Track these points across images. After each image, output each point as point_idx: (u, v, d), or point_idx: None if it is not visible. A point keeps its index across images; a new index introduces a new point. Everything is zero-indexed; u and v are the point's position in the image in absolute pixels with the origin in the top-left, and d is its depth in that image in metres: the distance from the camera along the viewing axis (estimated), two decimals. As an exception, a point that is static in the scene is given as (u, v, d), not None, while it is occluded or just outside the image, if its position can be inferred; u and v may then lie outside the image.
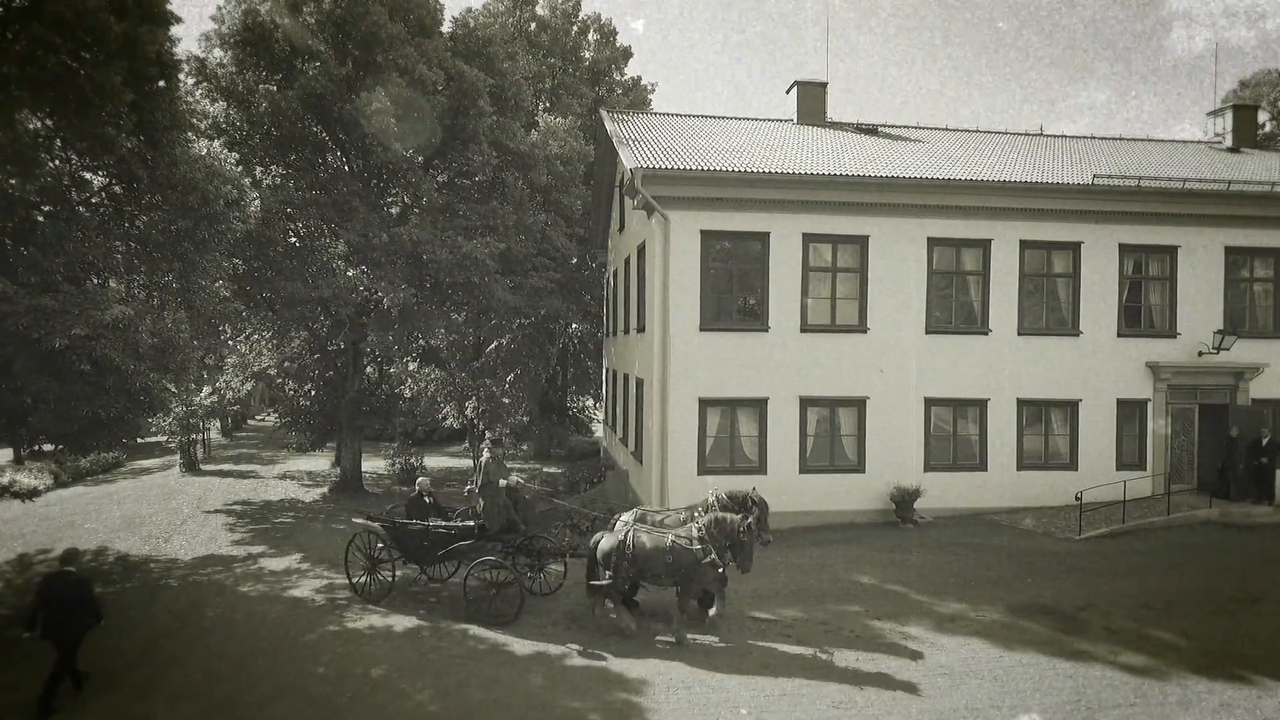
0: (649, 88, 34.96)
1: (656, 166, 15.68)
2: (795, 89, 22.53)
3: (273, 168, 21.83)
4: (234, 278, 19.57)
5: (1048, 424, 17.55)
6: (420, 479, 13.58)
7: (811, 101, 22.41)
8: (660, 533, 10.94)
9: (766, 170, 16.05)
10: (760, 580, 12.51)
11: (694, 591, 10.83)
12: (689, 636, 10.57)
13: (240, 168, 15.51)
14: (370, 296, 20.94)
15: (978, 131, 23.31)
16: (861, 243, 16.78)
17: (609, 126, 19.82)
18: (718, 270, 16.49)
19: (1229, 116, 24.18)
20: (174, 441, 31.97)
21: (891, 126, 22.75)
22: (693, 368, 16.20)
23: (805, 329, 16.59)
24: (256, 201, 15.98)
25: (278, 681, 9.59)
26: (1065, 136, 23.76)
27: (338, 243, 21.23)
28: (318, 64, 20.14)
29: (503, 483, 12.07)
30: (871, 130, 22.05)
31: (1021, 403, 17.32)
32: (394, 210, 23.59)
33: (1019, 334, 17.28)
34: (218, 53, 20.76)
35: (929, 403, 17.02)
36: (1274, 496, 17.20)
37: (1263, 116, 39.28)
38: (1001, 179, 16.80)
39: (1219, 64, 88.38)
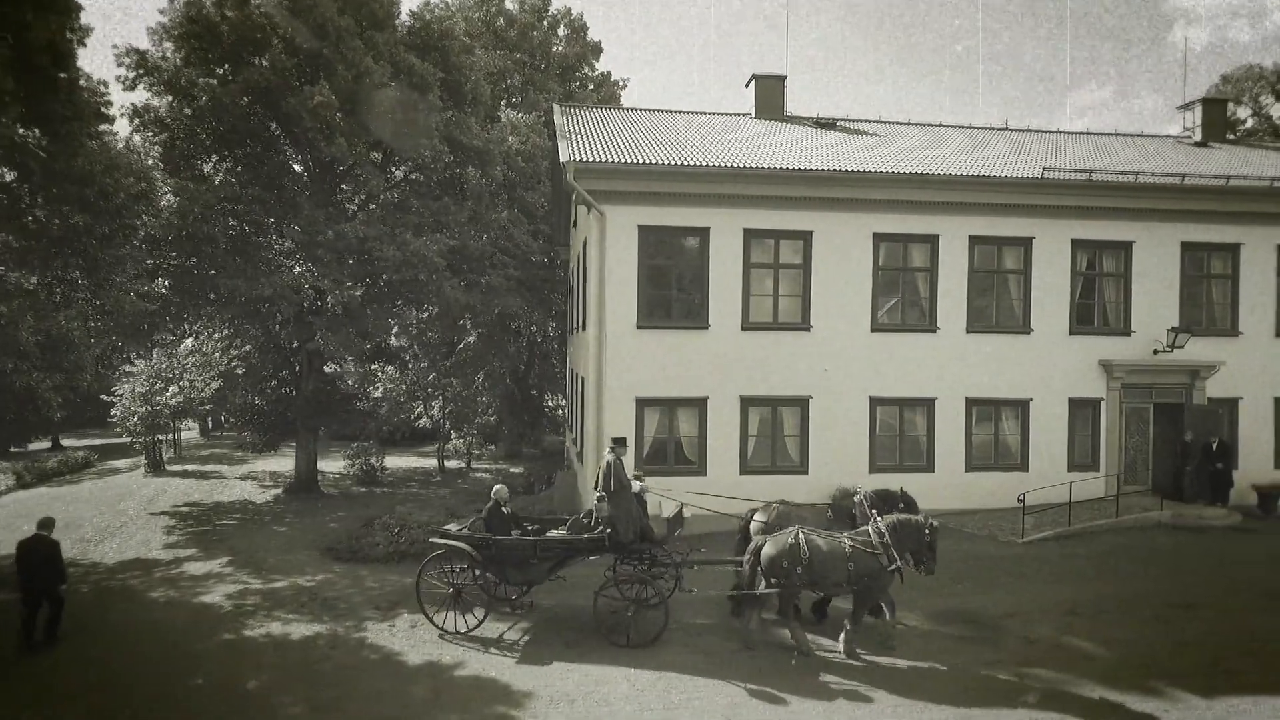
0: (620, 83, 34.61)
1: (590, 160, 15.29)
2: (753, 83, 22.14)
3: (222, 163, 21.46)
4: (173, 274, 19.19)
5: (997, 424, 17.14)
6: (497, 487, 11.99)
7: (770, 95, 22.03)
8: (833, 536, 9.99)
9: (703, 164, 15.66)
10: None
11: (872, 601, 9.94)
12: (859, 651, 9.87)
13: (153, 161, 15.05)
14: (316, 295, 20.55)
15: (943, 126, 22.94)
16: (805, 238, 16.38)
17: (556, 120, 19.42)
18: (656, 266, 16.09)
19: (1198, 111, 23.76)
20: (137, 442, 31.66)
21: (852, 120, 22.35)
22: (630, 366, 15.80)
23: (747, 327, 16.19)
24: (169, 195, 15.48)
25: (152, 692, 9.21)
26: (1030, 130, 23.33)
27: (283, 240, 20.84)
28: (263, 57, 19.78)
29: (636, 485, 10.92)
30: (830, 124, 21.65)
31: (970, 402, 16.92)
32: (351, 207, 23.23)
33: (968, 332, 16.88)
34: (167, 45, 20.38)
35: (874, 402, 16.61)
36: (1229, 499, 16.80)
37: (1244, 112, 38.96)
38: (947, 172, 16.40)
39: (1210, 59, 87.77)
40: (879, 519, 10.10)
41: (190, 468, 31.72)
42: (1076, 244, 17.21)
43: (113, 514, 21.24)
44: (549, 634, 10.81)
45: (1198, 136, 23.43)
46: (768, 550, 9.80)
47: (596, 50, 33.67)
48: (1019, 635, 10.43)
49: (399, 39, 22.18)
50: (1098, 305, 17.49)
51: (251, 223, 20.55)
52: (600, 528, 10.72)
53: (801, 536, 9.75)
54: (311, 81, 19.70)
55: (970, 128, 23.15)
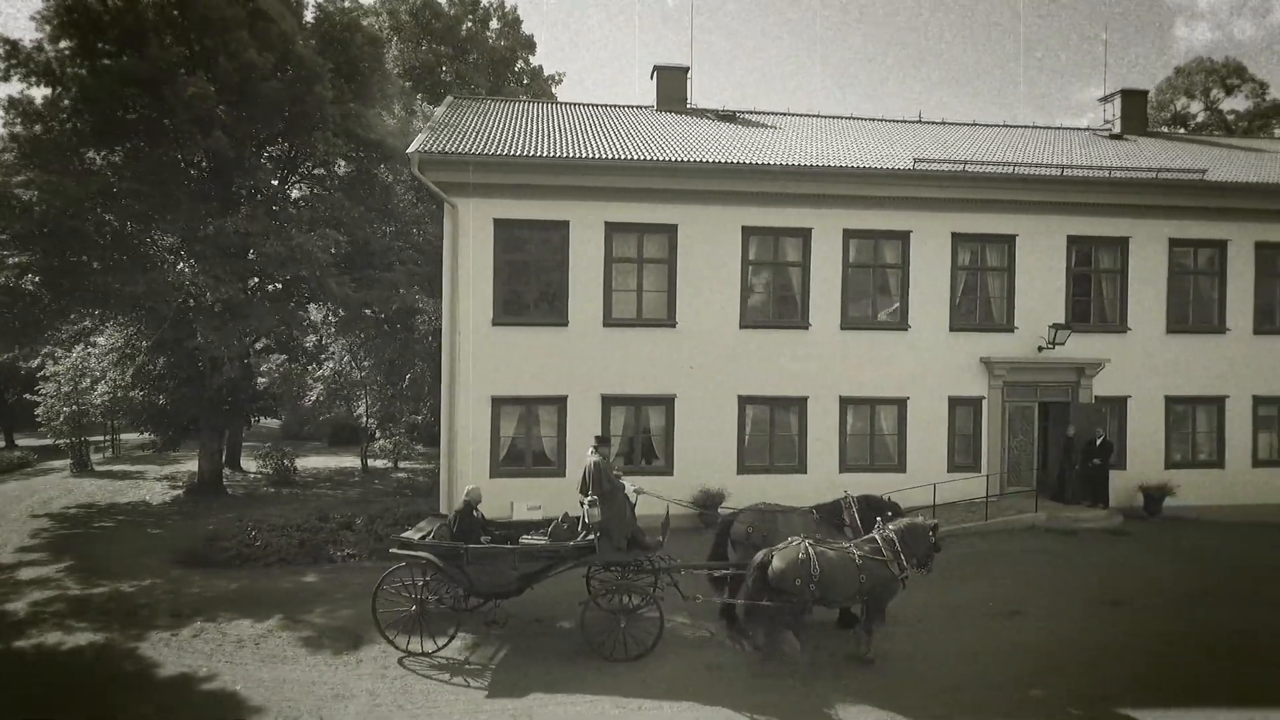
0: (555, 78, 34.04)
1: (435, 151, 14.81)
2: (655, 74, 21.62)
3: (111, 155, 20.98)
4: (42, 271, 18.72)
5: (874, 423, 16.63)
6: (469, 488, 11.06)
7: (672, 87, 21.52)
8: (841, 546, 9.53)
9: (557, 155, 15.15)
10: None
11: (882, 608, 9.49)
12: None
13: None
14: (197, 293, 20.05)
15: (853, 119, 22.40)
16: (670, 232, 15.89)
17: (439, 112, 18.99)
18: (514, 261, 15.61)
19: (1117, 102, 23.23)
20: (60, 443, 31.19)
21: (757, 113, 21.82)
22: (485, 364, 15.32)
23: (609, 323, 15.70)
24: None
25: None
26: (944, 123, 22.82)
27: (165, 236, 20.37)
28: (146, 48, 19.31)
29: (630, 489, 10.27)
30: (730, 116, 21.11)
31: (845, 401, 16.40)
32: (244, 204, 22.79)
33: (842, 328, 16.36)
34: (48, 34, 19.91)
35: (743, 401, 16.11)
36: (1108, 499, 16.29)
37: (1196, 106, 38.44)
38: (814, 163, 15.87)
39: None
40: (887, 526, 9.75)
41: (120, 468, 31.28)
42: (957, 237, 16.69)
43: (-7, 516, 20.80)
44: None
45: (1117, 128, 22.92)
46: (776, 564, 9.18)
47: (529, 44, 33.15)
48: (807, 648, 9.92)
49: (292, 29, 21.71)
50: (980, 301, 16.98)
51: (133, 218, 20.08)
52: (585, 533, 9.90)
53: (811, 549, 9.20)
54: (189, 72, 19.22)
55: (884, 120, 22.64)
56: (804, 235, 16.23)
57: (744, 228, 16.02)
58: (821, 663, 9.47)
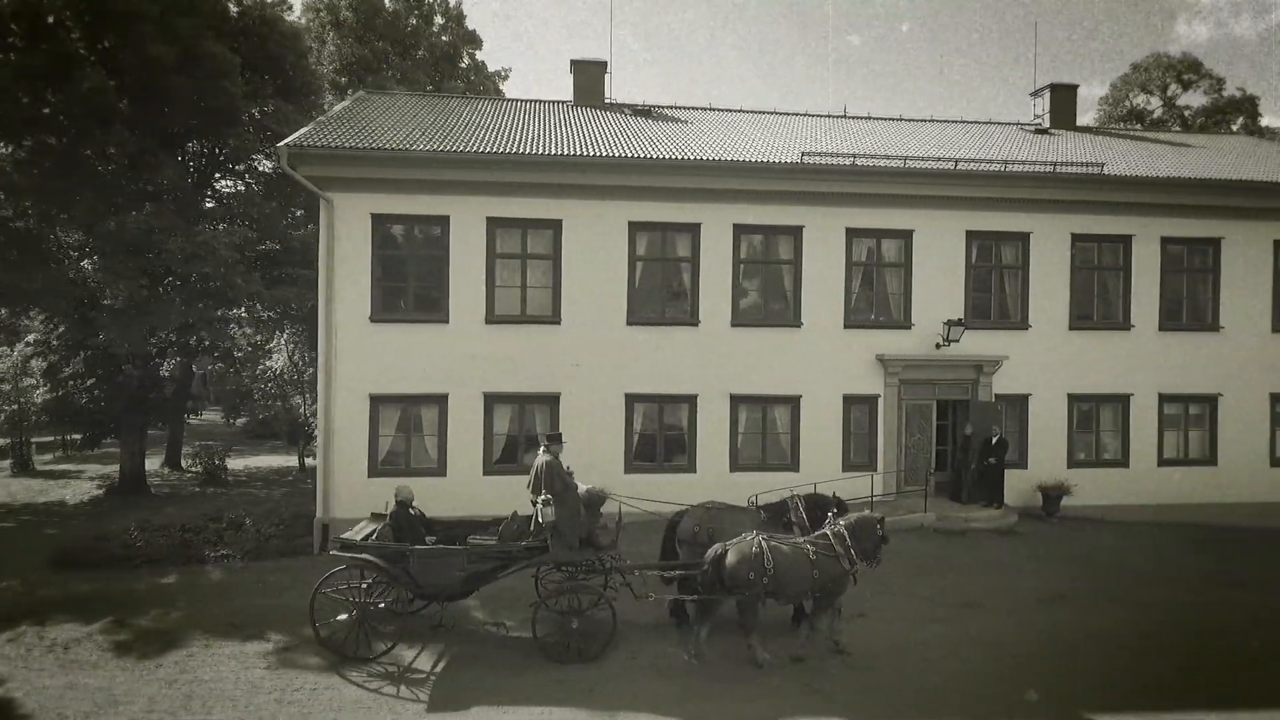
0: (503, 74, 33.75)
1: (307, 144, 14.54)
2: (573, 69, 21.34)
3: (15, 152, 20.73)
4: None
5: (766, 422, 16.34)
6: (400, 486, 10.69)
7: (590, 82, 21.21)
8: (795, 541, 9.60)
9: (433, 149, 14.88)
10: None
11: (833, 603, 9.62)
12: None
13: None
14: (98, 289, 19.81)
15: (776, 113, 22.11)
16: (555, 227, 15.61)
17: (338, 106, 18.72)
18: (393, 257, 15.34)
19: (1046, 97, 22.94)
20: (1, 441, 30.94)
21: (674, 108, 21.54)
22: (363, 362, 15.05)
23: (491, 320, 15.43)
24: None
25: None
26: (870, 118, 22.53)
27: (69, 233, 20.12)
28: (45, 42, 19.06)
29: (583, 488, 10.01)
30: (645, 112, 20.83)
31: (736, 399, 16.11)
32: (166, 196, 22.54)
33: (733, 325, 16.07)
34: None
35: (630, 399, 15.83)
36: (1004, 498, 16.01)
37: (1155, 103, 38.12)
38: (699, 157, 15.57)
39: (1213, 55, 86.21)
40: (838, 521, 9.77)
41: (62, 468, 31.01)
42: (852, 233, 16.40)
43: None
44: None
45: (1047, 123, 22.63)
46: (730, 559, 9.18)
47: (473, 39, 32.86)
48: (623, 657, 9.66)
49: (204, 24, 21.42)
50: (876, 297, 16.68)
51: (33, 213, 19.83)
52: (537, 533, 9.68)
53: (765, 544, 9.22)
54: (80, 67, 18.95)
55: (808, 115, 22.34)
56: (693, 231, 15.94)
57: (631, 223, 15.75)
58: (766, 667, 9.33)
